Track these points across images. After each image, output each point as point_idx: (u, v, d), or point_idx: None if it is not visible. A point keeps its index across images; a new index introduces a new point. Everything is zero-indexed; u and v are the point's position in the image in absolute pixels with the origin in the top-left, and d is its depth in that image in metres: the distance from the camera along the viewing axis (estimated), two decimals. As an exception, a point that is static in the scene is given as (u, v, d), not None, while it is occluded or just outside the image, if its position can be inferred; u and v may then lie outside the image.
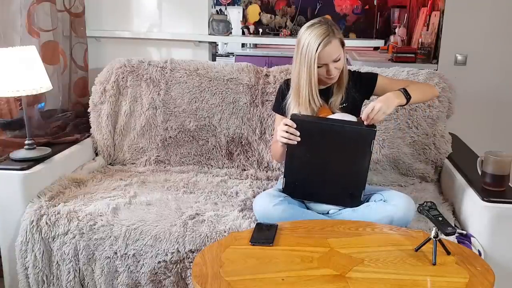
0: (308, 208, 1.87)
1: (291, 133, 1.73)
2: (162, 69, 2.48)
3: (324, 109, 1.90)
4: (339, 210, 1.84)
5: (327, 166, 1.80)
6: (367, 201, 1.85)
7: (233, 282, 1.29)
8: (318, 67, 1.82)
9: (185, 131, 2.43)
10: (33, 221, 1.86)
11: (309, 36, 1.80)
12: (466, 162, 2.11)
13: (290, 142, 1.74)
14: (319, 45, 1.77)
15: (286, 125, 1.74)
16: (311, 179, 1.83)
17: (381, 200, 1.80)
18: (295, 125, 1.74)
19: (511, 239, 1.73)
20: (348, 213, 1.81)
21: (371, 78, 1.99)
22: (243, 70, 2.46)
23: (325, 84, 1.92)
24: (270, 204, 1.76)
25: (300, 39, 1.83)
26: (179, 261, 1.76)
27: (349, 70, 2.03)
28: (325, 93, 1.94)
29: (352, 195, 1.81)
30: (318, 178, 1.82)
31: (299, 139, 1.73)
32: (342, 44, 1.86)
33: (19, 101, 2.42)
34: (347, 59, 4.03)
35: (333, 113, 1.88)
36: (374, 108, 1.72)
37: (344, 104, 1.93)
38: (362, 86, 1.98)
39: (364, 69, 2.40)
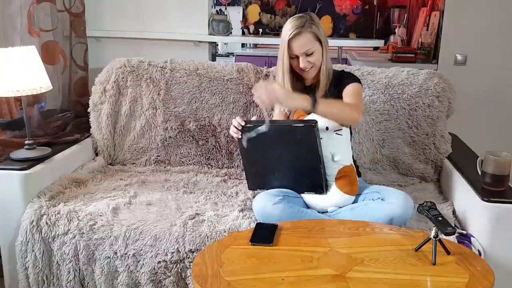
0: (308, 207, 1.88)
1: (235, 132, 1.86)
2: (162, 69, 2.48)
3: (298, 111, 1.95)
4: (338, 209, 1.85)
5: (280, 162, 1.88)
6: (365, 200, 1.86)
7: (233, 282, 1.29)
8: (292, 58, 1.92)
9: (185, 131, 2.43)
10: (33, 221, 1.86)
11: (286, 27, 1.91)
12: (466, 162, 2.11)
13: (235, 136, 1.87)
14: (290, 34, 1.87)
15: (235, 124, 1.85)
16: (270, 173, 1.91)
17: (379, 198, 1.80)
18: (242, 124, 1.83)
19: (511, 239, 1.73)
20: (347, 213, 1.81)
21: (346, 80, 1.97)
22: (243, 70, 2.46)
23: (306, 80, 2.00)
24: (269, 203, 1.76)
25: (282, 29, 1.94)
26: (179, 261, 1.76)
27: (336, 70, 2.06)
28: (311, 93, 1.96)
29: (315, 186, 1.84)
30: (276, 172, 1.90)
31: (240, 137, 1.85)
32: (319, 41, 1.90)
33: (19, 101, 2.43)
34: (346, 59, 4.06)
35: (309, 114, 1.89)
36: (275, 94, 1.71)
37: None
38: (341, 85, 1.97)
39: (364, 69, 2.41)
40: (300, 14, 1.93)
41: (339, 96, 1.94)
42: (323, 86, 1.96)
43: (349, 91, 1.93)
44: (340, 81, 1.98)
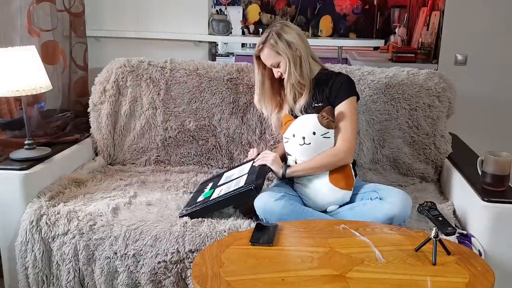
0: (306, 206, 1.88)
1: None
2: (162, 69, 2.48)
3: (286, 116, 1.99)
4: (337, 209, 1.85)
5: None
6: (363, 200, 1.86)
7: (233, 282, 1.29)
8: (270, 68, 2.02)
9: (185, 131, 2.43)
10: (33, 221, 1.86)
11: None
12: (466, 162, 2.10)
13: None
14: (256, 49, 2.01)
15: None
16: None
17: (377, 198, 1.80)
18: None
19: (511, 239, 1.73)
20: (346, 212, 1.82)
21: (342, 90, 1.95)
22: (243, 70, 2.46)
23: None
24: (271, 199, 1.77)
25: None
26: (179, 261, 1.76)
27: (331, 71, 2.06)
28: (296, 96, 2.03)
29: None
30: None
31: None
32: (280, 55, 1.93)
33: (19, 101, 2.42)
34: (346, 59, 4.06)
35: (296, 117, 1.96)
36: (267, 160, 1.94)
37: (319, 104, 1.96)
38: (332, 90, 1.96)
39: (364, 69, 2.41)
40: (268, 28, 1.99)
41: (328, 102, 1.94)
42: (306, 91, 1.97)
43: (342, 111, 1.91)
44: (333, 86, 1.96)
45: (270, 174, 2.10)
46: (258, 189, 1.78)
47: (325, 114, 1.86)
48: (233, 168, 2.14)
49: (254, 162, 2.00)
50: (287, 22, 2.05)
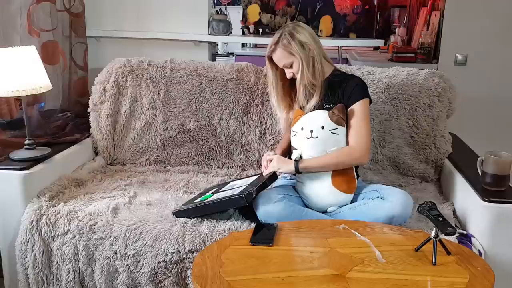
0: (306, 207, 1.88)
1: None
2: (162, 69, 2.48)
3: (297, 111, 1.99)
4: (338, 208, 1.85)
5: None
6: (364, 199, 1.86)
7: (233, 282, 1.29)
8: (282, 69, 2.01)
9: (185, 131, 2.43)
10: (33, 221, 1.86)
11: None
12: (466, 162, 2.10)
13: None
14: (267, 50, 1.99)
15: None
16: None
17: (378, 197, 1.80)
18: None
19: (511, 239, 1.73)
20: (347, 212, 1.82)
21: (354, 92, 1.93)
22: (243, 70, 2.46)
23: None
24: (271, 201, 1.77)
25: None
26: (179, 261, 1.76)
27: (340, 72, 2.05)
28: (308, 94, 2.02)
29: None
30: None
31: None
32: (293, 55, 1.91)
33: (19, 101, 2.42)
34: (346, 59, 4.06)
35: (306, 113, 1.96)
36: (273, 165, 1.91)
37: (331, 105, 1.94)
38: (345, 92, 1.95)
39: (364, 69, 2.41)
40: (280, 29, 1.97)
41: (341, 101, 1.92)
42: (318, 91, 1.94)
43: (356, 113, 1.90)
44: (346, 88, 1.94)
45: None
46: (248, 198, 1.76)
47: (336, 111, 1.86)
48: (241, 178, 2.12)
49: (263, 173, 1.99)
50: (299, 22, 2.02)
